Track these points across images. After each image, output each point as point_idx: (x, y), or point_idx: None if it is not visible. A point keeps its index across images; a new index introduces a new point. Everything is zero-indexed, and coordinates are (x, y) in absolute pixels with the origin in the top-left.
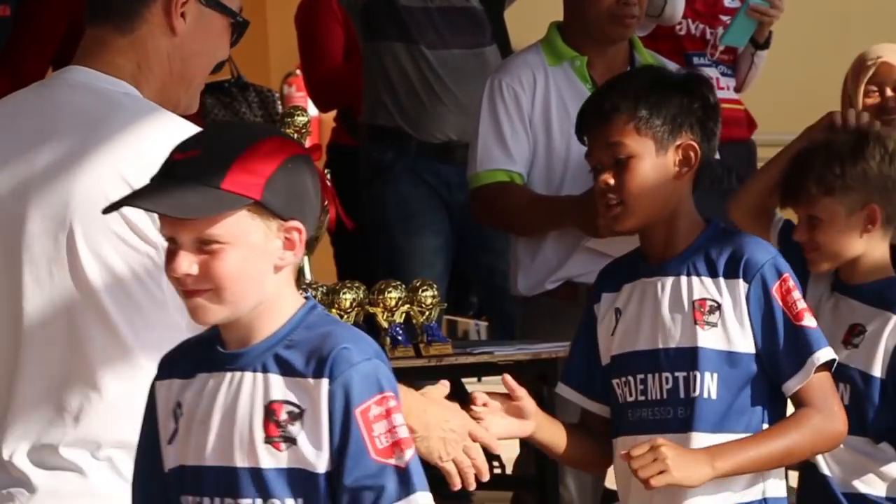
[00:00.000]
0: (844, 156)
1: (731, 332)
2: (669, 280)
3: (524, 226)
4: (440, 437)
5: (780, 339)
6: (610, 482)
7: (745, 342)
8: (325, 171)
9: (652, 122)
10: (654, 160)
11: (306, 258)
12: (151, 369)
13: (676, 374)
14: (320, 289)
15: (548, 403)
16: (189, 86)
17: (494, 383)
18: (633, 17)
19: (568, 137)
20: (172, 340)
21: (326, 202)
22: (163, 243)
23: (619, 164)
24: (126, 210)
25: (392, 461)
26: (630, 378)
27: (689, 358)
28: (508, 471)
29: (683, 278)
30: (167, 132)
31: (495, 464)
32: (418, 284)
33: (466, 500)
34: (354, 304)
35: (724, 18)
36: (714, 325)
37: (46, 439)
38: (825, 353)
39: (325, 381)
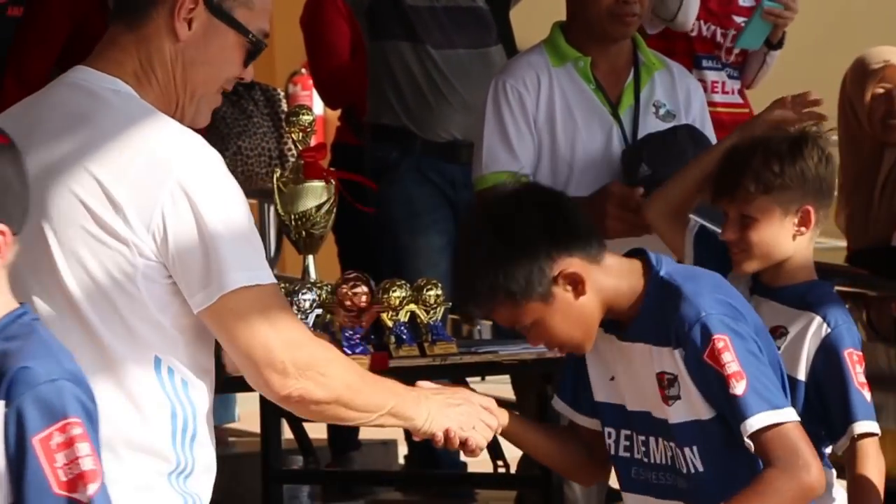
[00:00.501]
0: (783, 154)
1: (693, 401)
2: (637, 347)
3: None
4: (445, 413)
5: (723, 403)
6: (614, 482)
7: (705, 408)
8: (331, 170)
9: (520, 297)
10: (546, 309)
11: (311, 257)
12: (140, 374)
13: (671, 443)
14: (325, 288)
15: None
16: (192, 96)
17: (498, 382)
18: (633, 16)
19: (572, 139)
20: (157, 342)
21: (333, 201)
22: (133, 240)
23: (528, 329)
24: (94, 206)
25: (75, 495)
26: (633, 435)
27: (669, 432)
28: (512, 470)
29: (644, 347)
30: (151, 133)
31: (499, 463)
32: (423, 283)
33: (470, 498)
34: None
35: (738, 19)
36: (677, 397)
37: None
38: (757, 421)
39: (1, 404)
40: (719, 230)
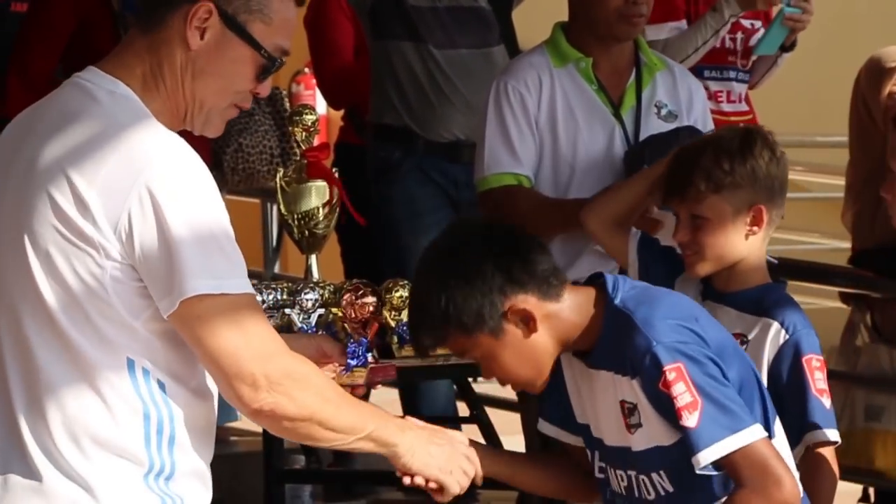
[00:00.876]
0: (733, 152)
1: (655, 428)
2: (602, 374)
3: (534, 229)
4: (428, 450)
5: (682, 430)
6: None
7: (667, 434)
8: (334, 170)
9: (470, 329)
10: (496, 344)
11: (314, 257)
12: (111, 375)
13: (631, 472)
14: (327, 287)
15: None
16: (201, 107)
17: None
18: (641, 16)
19: (574, 139)
20: (129, 344)
21: (336, 200)
22: (101, 242)
23: (479, 362)
24: (65, 206)
25: None
26: (596, 453)
27: (630, 460)
28: None
29: (607, 375)
30: (129, 135)
31: None
32: None
33: (472, 498)
34: None
35: (745, 22)
36: (639, 425)
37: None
38: (710, 453)
39: None
40: None
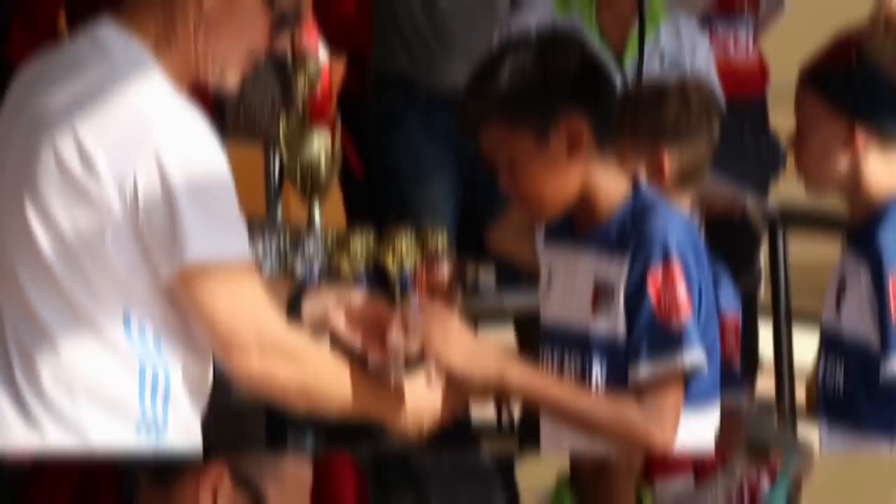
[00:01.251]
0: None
1: (618, 316)
2: (583, 258)
3: None
4: (422, 416)
5: (637, 327)
6: None
7: (622, 326)
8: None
9: (519, 121)
10: (536, 154)
11: (316, 204)
12: (107, 328)
13: (586, 357)
14: (330, 234)
15: None
16: (214, 62)
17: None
18: None
19: None
20: (125, 300)
21: (338, 148)
22: (105, 200)
23: (507, 165)
24: (69, 161)
25: None
26: (550, 351)
27: (588, 343)
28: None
29: (593, 255)
30: (137, 94)
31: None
32: (428, 232)
33: (474, 443)
34: (365, 251)
35: None
36: (605, 308)
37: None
38: (692, 358)
39: None
40: None
